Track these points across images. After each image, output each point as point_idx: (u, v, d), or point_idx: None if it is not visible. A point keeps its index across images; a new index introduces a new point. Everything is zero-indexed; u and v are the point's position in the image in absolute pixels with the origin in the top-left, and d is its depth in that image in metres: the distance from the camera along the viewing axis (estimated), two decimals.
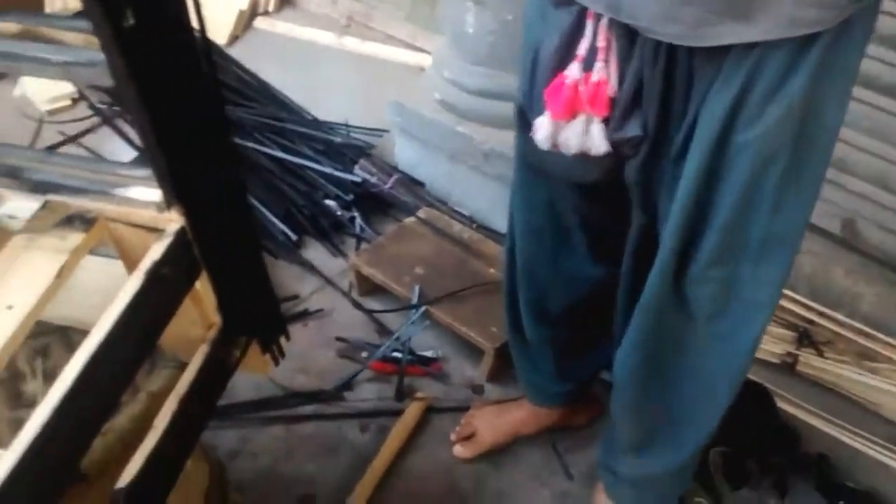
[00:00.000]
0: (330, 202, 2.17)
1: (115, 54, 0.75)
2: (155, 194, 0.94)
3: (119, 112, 2.56)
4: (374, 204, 2.20)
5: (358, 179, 2.19)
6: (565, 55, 0.93)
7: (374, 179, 2.19)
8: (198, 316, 1.08)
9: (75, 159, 1.08)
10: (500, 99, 2.00)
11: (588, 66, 0.91)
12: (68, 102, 2.64)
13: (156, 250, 0.92)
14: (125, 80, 0.79)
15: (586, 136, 0.94)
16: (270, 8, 3.12)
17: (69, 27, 0.89)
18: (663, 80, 0.89)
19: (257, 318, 1.19)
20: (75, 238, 0.92)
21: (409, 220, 2.04)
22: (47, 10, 3.00)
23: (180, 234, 0.94)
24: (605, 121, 0.94)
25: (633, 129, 0.93)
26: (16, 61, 0.81)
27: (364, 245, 2.07)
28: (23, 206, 0.97)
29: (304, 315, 1.89)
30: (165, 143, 0.86)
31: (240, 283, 1.09)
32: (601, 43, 0.89)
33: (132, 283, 0.89)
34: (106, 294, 1.24)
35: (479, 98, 2.02)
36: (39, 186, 0.97)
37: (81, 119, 2.56)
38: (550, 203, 1.22)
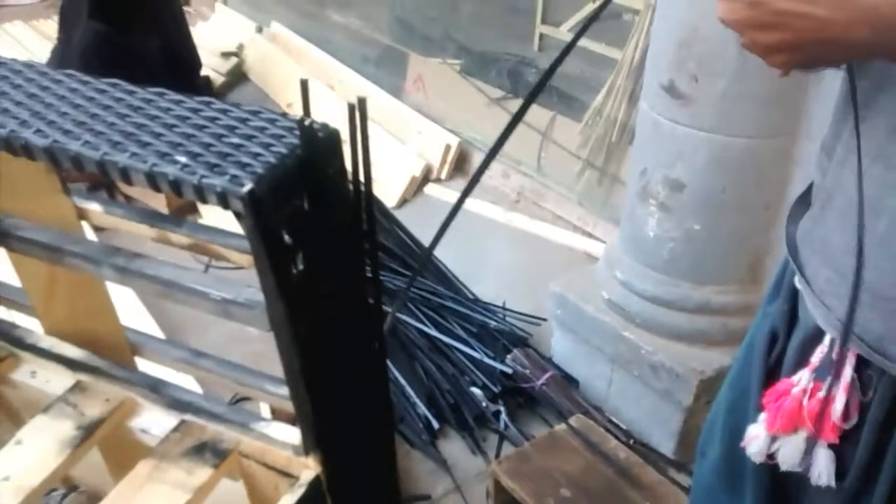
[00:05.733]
0: (476, 391, 2.03)
1: (277, 302, 0.67)
2: (294, 435, 0.84)
3: None
4: (523, 399, 2.04)
5: (509, 371, 2.05)
6: (800, 359, 0.76)
7: (526, 373, 2.04)
8: None
9: (227, 366, 1.01)
10: (674, 309, 1.83)
11: (820, 377, 0.74)
12: None
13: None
14: (283, 327, 0.70)
15: (808, 456, 0.75)
16: (443, 176, 3.17)
17: (239, 248, 0.84)
18: (884, 415, 0.72)
19: None
20: (203, 474, 0.83)
21: (560, 427, 1.85)
22: None
23: (314, 485, 0.82)
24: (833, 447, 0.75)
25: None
26: (174, 290, 0.75)
27: (507, 447, 1.90)
28: (158, 421, 0.90)
29: None
30: (314, 389, 0.76)
31: None
32: (836, 355, 0.73)
33: None
34: None
35: (651, 305, 1.85)
36: (177, 404, 0.90)
37: None
38: None
